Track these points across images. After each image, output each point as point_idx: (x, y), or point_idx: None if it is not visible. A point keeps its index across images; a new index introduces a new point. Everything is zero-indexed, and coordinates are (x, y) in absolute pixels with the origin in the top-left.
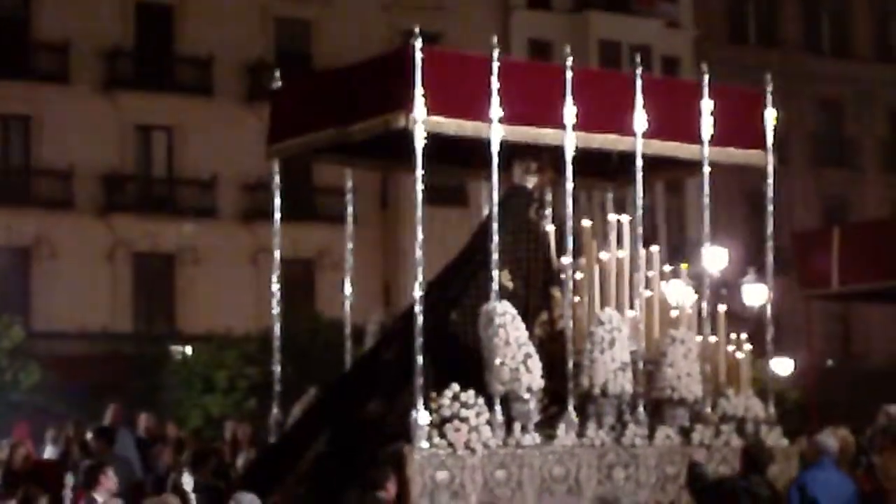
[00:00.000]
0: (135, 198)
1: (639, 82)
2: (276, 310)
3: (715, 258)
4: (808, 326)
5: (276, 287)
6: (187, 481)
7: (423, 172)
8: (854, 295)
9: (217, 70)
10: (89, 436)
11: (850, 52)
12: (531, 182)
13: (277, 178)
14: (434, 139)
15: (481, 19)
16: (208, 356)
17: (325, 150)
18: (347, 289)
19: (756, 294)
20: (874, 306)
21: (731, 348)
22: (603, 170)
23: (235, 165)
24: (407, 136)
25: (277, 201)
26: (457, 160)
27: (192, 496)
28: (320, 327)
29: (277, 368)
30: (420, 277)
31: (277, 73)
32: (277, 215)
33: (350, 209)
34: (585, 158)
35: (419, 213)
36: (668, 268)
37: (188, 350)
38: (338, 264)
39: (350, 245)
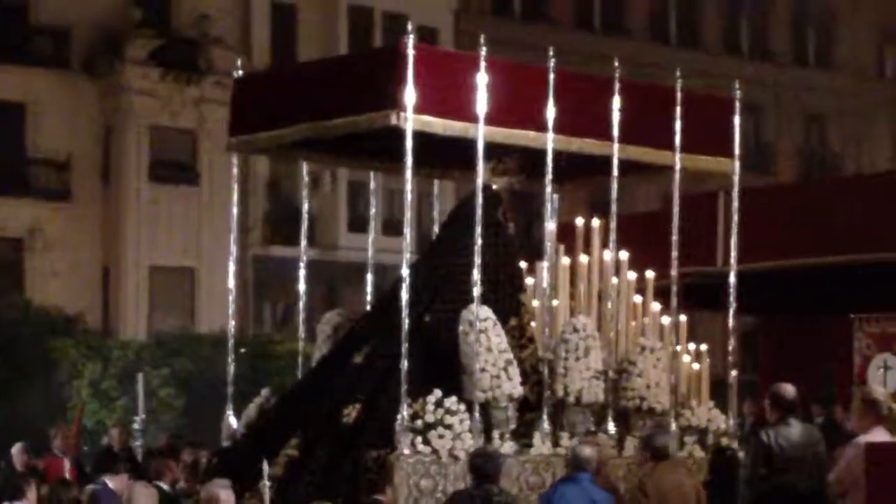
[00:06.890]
0: None
1: (616, 86)
2: None
3: None
4: None
5: None
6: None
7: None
8: None
9: None
10: None
11: (623, 28)
12: (499, 183)
13: (235, 171)
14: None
15: None
16: None
17: (294, 145)
18: None
19: None
20: None
21: (686, 359)
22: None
23: None
24: (380, 133)
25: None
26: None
27: None
28: (29, 316)
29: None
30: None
31: (239, 62)
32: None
33: None
34: (539, 160)
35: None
36: (632, 275)
37: None
38: (52, 244)
39: None
